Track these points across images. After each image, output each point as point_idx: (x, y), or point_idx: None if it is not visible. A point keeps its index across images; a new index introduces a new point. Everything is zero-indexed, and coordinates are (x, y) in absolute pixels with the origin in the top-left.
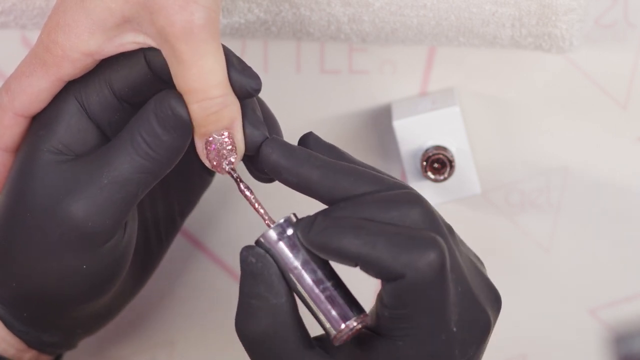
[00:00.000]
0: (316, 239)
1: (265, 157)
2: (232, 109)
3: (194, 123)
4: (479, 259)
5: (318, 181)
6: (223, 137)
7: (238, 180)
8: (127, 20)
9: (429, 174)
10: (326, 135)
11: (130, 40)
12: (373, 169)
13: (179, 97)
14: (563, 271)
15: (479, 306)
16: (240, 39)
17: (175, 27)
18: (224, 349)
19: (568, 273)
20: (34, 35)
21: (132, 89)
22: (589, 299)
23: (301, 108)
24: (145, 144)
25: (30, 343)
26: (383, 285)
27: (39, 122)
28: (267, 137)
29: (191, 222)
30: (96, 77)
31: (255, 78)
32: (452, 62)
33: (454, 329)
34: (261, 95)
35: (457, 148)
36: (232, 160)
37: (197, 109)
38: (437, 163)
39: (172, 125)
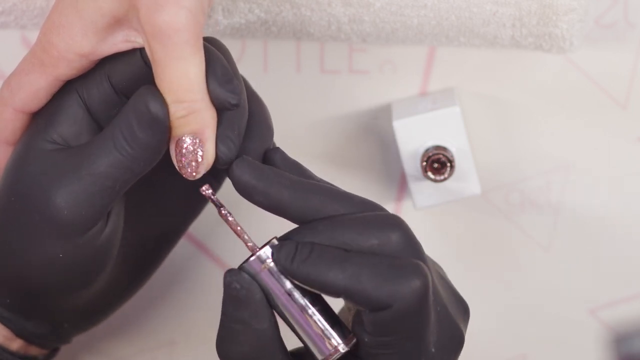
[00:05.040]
0: (299, 272)
1: (236, 178)
2: (201, 116)
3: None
4: (440, 267)
5: (289, 201)
6: (191, 142)
7: (219, 205)
8: (119, 20)
9: (429, 174)
10: (326, 135)
11: (123, 39)
12: (336, 187)
13: (157, 94)
14: (563, 271)
15: (454, 323)
16: (241, 39)
17: (152, 27)
18: None
19: (568, 273)
20: (34, 36)
21: (130, 83)
22: (589, 299)
23: (301, 108)
24: (124, 139)
25: (15, 331)
26: (365, 313)
27: (41, 113)
28: (238, 157)
29: (193, 223)
30: (97, 71)
31: (236, 93)
32: (452, 62)
33: (433, 350)
34: (261, 95)
35: (457, 148)
36: (200, 168)
37: (170, 110)
38: (437, 163)
39: (147, 122)
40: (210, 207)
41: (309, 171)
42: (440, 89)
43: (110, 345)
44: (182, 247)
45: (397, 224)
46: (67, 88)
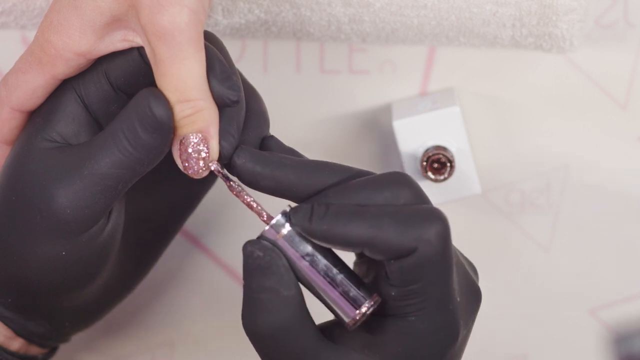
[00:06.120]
0: (318, 229)
1: (239, 167)
2: (207, 114)
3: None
4: None
5: (296, 181)
6: (196, 140)
7: (229, 179)
8: (117, 19)
9: (429, 174)
10: (326, 135)
11: (121, 38)
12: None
13: (160, 96)
14: (563, 271)
15: (469, 275)
16: (240, 39)
17: (155, 27)
18: (223, 349)
19: (568, 273)
20: (33, 36)
21: (128, 79)
22: (589, 299)
23: (301, 108)
24: (126, 140)
25: (16, 331)
26: (389, 264)
27: (38, 111)
28: (237, 147)
29: (190, 220)
30: (94, 69)
31: (235, 90)
32: (452, 62)
33: (458, 299)
34: (261, 95)
35: (457, 148)
36: (206, 164)
37: (175, 110)
38: (437, 163)
39: (150, 124)
40: (209, 206)
41: (305, 156)
42: (440, 89)
43: (109, 344)
44: (180, 245)
45: (405, 179)
46: (65, 86)
